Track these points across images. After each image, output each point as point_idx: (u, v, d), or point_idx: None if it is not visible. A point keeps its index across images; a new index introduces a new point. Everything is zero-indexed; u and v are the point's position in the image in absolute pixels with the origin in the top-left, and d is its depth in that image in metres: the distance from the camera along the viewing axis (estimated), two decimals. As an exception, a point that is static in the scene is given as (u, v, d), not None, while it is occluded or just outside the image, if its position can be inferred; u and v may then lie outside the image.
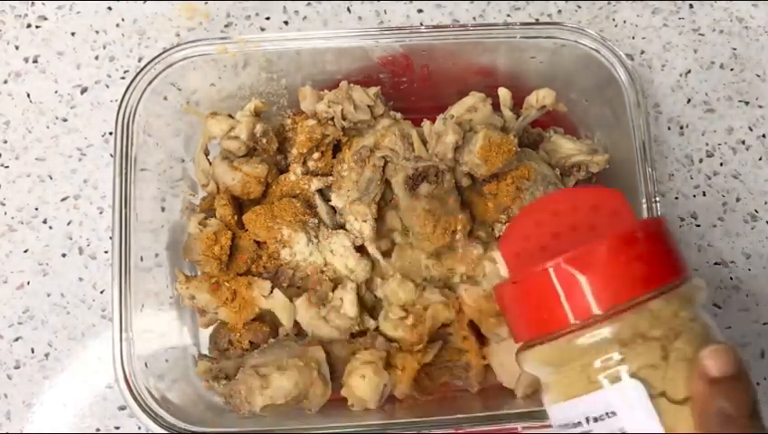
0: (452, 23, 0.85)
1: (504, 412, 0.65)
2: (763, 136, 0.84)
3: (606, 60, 0.70)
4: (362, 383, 0.65)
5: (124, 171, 0.67)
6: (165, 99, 0.72)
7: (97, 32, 0.85)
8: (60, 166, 0.82)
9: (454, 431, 0.64)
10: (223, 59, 0.71)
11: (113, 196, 0.67)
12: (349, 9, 0.86)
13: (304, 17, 0.86)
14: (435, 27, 0.71)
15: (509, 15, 0.86)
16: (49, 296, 0.79)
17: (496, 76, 0.76)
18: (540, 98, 0.71)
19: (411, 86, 0.77)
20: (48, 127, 0.83)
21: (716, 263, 0.81)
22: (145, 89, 0.69)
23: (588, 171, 0.73)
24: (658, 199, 0.68)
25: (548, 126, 0.78)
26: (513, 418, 0.65)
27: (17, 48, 0.85)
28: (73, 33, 0.86)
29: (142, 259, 0.68)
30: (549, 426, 0.55)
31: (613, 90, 0.71)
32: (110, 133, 0.83)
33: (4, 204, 0.81)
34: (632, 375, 0.48)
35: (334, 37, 0.71)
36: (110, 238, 0.72)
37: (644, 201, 0.68)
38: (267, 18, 0.86)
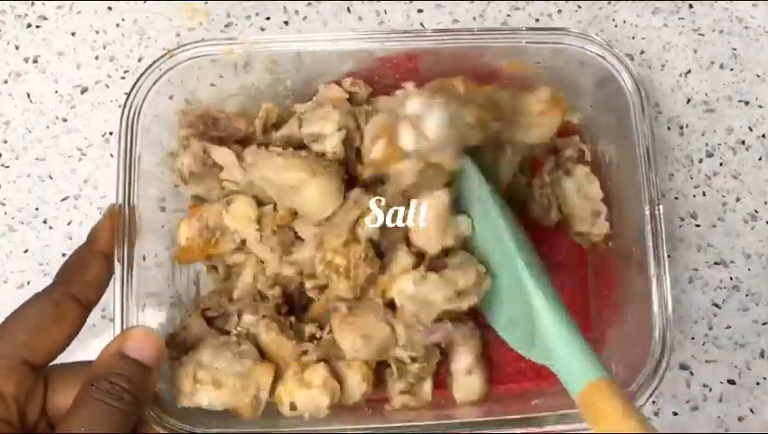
0: (458, 28, 0.85)
1: (506, 418, 0.64)
2: (763, 136, 0.84)
3: (612, 66, 0.70)
4: (306, 390, 0.64)
5: (125, 171, 0.67)
6: (171, 98, 0.71)
7: (97, 32, 0.85)
8: (60, 166, 0.82)
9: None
10: (228, 60, 0.70)
11: (116, 196, 0.67)
12: (349, 9, 0.86)
13: (305, 17, 0.86)
14: (440, 31, 0.71)
15: (509, 15, 0.86)
16: (49, 296, 0.79)
17: (500, 81, 0.75)
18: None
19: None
20: (48, 127, 0.83)
21: (715, 263, 0.81)
22: (150, 89, 0.69)
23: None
24: (661, 205, 0.67)
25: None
26: (512, 423, 0.64)
27: (17, 48, 0.85)
28: (73, 33, 0.85)
29: (144, 258, 0.68)
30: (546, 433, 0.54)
31: (618, 97, 0.70)
32: (110, 133, 0.83)
33: (4, 204, 0.81)
34: None
35: (341, 39, 0.70)
36: (111, 238, 0.72)
37: (647, 207, 0.67)
38: (268, 18, 0.86)
